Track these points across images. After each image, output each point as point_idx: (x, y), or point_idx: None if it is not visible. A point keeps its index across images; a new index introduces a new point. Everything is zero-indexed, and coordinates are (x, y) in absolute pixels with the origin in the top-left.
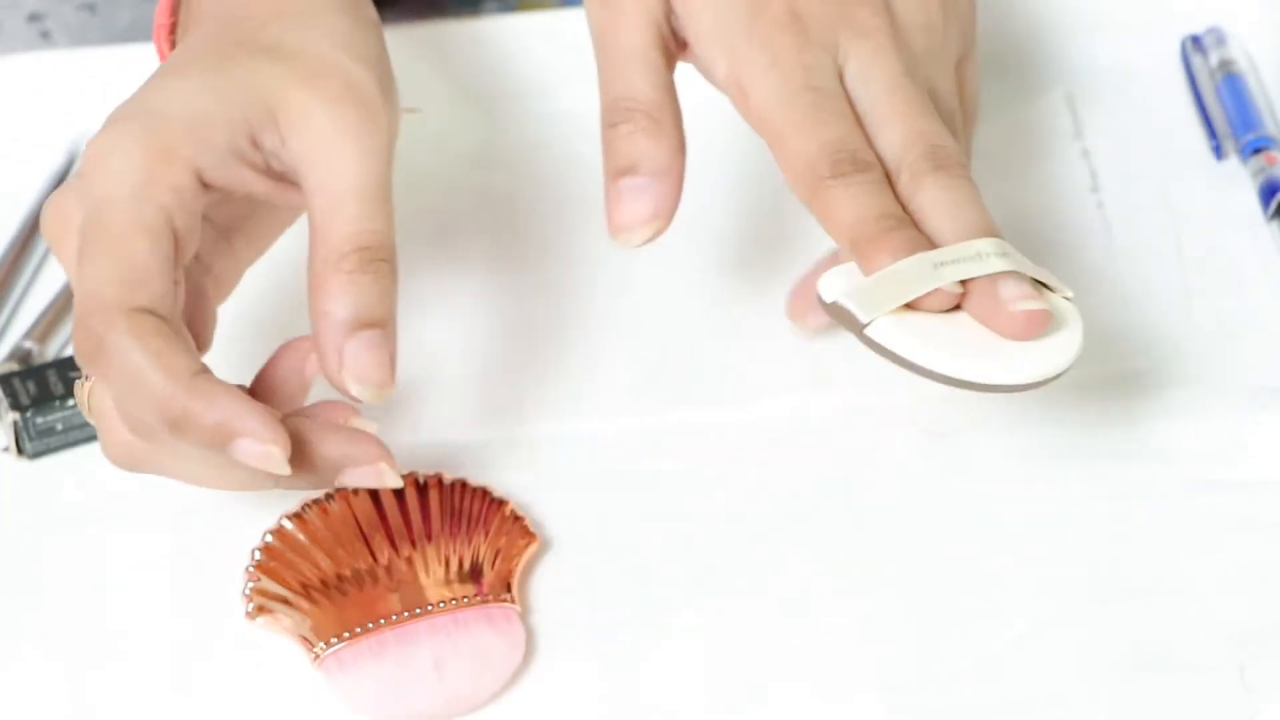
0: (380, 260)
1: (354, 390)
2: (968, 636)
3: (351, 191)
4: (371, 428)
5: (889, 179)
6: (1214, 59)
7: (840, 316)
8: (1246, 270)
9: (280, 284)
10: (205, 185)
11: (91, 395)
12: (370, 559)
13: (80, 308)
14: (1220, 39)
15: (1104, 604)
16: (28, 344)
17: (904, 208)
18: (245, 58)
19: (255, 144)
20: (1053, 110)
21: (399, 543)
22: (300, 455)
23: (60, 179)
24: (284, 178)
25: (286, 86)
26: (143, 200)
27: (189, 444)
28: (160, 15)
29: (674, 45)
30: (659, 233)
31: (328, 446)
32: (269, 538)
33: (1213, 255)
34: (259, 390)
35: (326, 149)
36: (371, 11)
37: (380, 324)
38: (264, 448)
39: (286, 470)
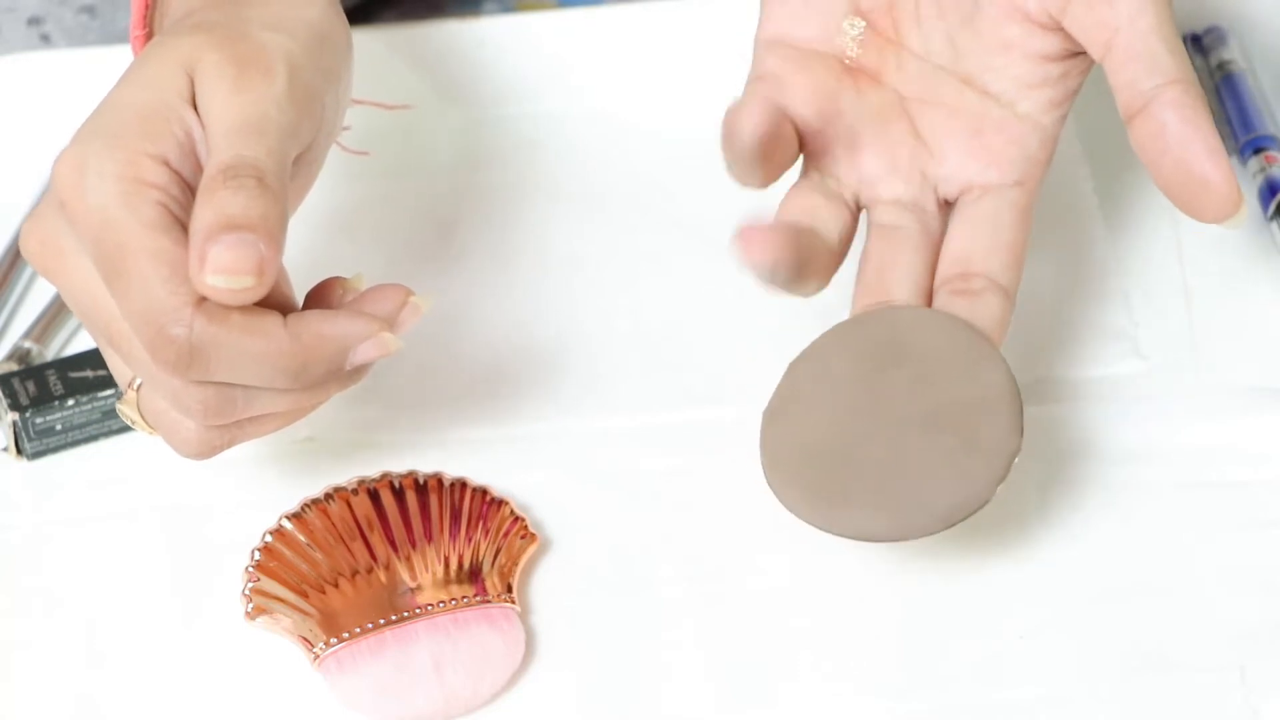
0: (245, 176)
1: (213, 282)
2: (967, 637)
3: (227, 130)
4: (428, 303)
5: None
6: (1214, 59)
7: None
8: (1246, 270)
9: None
10: (177, 172)
11: (142, 404)
12: (370, 559)
13: (149, 329)
14: (1220, 39)
15: (1104, 603)
16: (27, 344)
17: None
18: (171, 40)
19: (199, 115)
20: None
21: (399, 543)
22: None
23: None
24: None
25: (203, 52)
26: (136, 207)
27: (310, 384)
28: (134, 27)
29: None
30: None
31: (333, 326)
32: (269, 538)
33: (1213, 255)
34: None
35: (213, 99)
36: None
37: (244, 228)
38: (375, 340)
39: (401, 345)
